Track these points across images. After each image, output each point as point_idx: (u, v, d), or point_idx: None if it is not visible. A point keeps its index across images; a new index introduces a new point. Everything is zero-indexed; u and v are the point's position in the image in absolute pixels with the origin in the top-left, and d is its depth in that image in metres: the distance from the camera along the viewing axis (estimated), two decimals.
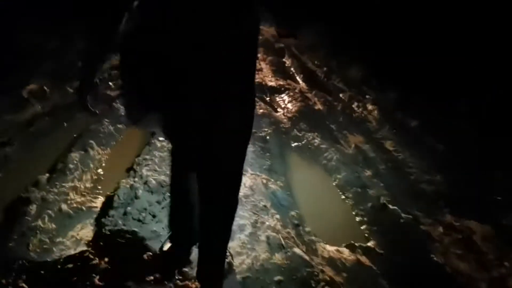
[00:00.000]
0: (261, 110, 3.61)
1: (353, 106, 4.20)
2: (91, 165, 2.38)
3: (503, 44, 4.24)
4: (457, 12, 5.08)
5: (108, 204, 2.03)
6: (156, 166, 2.44)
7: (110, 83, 3.70)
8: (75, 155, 2.36)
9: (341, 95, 4.57)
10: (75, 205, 2.02)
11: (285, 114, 3.70)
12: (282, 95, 4.32)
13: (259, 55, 6.37)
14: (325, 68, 5.77)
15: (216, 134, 1.11)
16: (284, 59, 6.48)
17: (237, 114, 1.12)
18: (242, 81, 1.07)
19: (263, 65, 5.81)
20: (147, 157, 2.54)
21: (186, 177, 1.41)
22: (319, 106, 4.02)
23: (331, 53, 6.73)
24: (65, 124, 3.01)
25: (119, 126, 3.03)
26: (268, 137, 3.06)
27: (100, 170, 2.42)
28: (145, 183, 2.25)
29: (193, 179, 1.30)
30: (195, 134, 1.11)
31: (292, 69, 5.82)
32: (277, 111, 3.78)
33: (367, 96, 4.42)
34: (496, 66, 4.15)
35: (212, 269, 1.41)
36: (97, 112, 1.21)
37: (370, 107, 4.09)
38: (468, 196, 2.58)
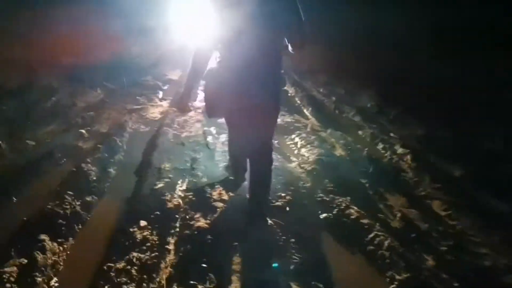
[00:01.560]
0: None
1: (379, 148, 3.48)
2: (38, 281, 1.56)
3: None
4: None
5: None
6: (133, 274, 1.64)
7: None
8: (11, 270, 1.54)
9: (360, 132, 3.86)
10: None
11: (301, 165, 2.95)
12: (293, 137, 3.58)
13: None
14: (333, 98, 5.08)
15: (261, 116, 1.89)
16: (286, 88, 5.80)
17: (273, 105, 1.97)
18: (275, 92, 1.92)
19: None
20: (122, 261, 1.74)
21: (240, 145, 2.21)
22: (339, 151, 3.29)
23: (335, 78, 6.11)
24: (14, 199, 2.20)
25: (87, 199, 2.25)
26: (288, 208, 2.30)
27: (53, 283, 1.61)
28: None
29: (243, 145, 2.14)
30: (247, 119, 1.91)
31: (297, 99, 5.11)
32: (291, 161, 3.03)
33: (391, 135, 3.72)
34: None
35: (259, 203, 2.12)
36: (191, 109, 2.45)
37: (399, 149, 3.37)
38: None
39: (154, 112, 4.07)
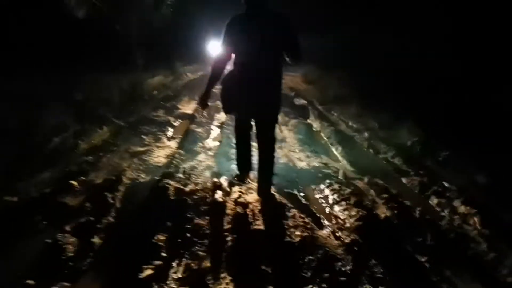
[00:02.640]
0: (298, 231, 2.18)
1: (433, 204, 2.72)
2: None
3: None
4: None
5: None
6: None
7: None
8: None
9: (405, 181, 3.12)
10: None
11: (337, 234, 2.24)
12: (322, 188, 2.89)
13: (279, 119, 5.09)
14: (366, 133, 4.38)
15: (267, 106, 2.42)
16: (309, 121, 5.16)
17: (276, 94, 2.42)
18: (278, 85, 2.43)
19: (285, 132, 4.47)
20: None
21: (246, 134, 2.68)
22: (383, 210, 2.56)
23: (364, 108, 5.42)
24: None
25: None
26: None
27: None
28: None
29: (249, 135, 2.69)
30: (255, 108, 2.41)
31: (323, 136, 4.44)
32: (322, 227, 2.33)
33: (445, 184, 2.95)
34: None
35: (266, 179, 2.58)
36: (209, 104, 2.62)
37: (460, 207, 2.60)
38: None
39: (159, 156, 3.51)
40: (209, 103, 2.59)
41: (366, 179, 3.06)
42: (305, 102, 6.13)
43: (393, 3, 6.50)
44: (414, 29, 5.88)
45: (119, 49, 8.53)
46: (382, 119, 4.81)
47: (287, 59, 2.30)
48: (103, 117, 4.94)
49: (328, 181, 2.98)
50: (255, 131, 2.56)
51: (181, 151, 3.57)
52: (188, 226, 2.22)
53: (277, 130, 4.54)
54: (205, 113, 5.15)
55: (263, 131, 2.51)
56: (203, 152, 3.60)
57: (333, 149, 3.92)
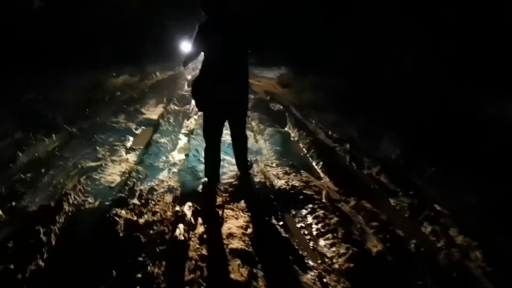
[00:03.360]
0: (277, 276, 1.75)
1: (427, 232, 2.40)
2: None
3: None
4: None
5: None
6: None
7: None
8: None
9: (393, 203, 2.79)
10: None
11: (325, 280, 1.85)
12: (304, 214, 2.49)
13: (253, 123, 4.66)
14: (347, 145, 4.05)
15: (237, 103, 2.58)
16: (287, 129, 4.77)
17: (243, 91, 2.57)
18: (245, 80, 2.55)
19: (260, 142, 4.05)
20: None
21: (216, 138, 2.67)
22: (374, 243, 2.19)
23: (342, 114, 5.13)
24: None
25: None
26: None
27: None
28: None
29: (219, 140, 2.70)
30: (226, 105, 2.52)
31: (302, 147, 4.06)
32: (307, 269, 1.92)
33: (437, 207, 2.65)
34: None
35: (244, 165, 2.89)
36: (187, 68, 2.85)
37: (458, 237, 2.30)
38: None
39: (113, 173, 2.97)
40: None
41: (352, 202, 2.70)
42: (281, 107, 5.73)
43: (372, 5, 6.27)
44: (393, 32, 5.67)
45: (81, 44, 7.73)
46: (361, 127, 4.52)
47: (252, 56, 2.53)
48: (52, 123, 4.28)
49: (310, 205, 2.58)
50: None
51: (139, 167, 3.04)
52: (139, 276, 1.73)
53: (252, 140, 4.15)
54: (171, 120, 4.62)
55: (235, 129, 2.71)
56: (165, 168, 3.09)
57: (314, 163, 3.54)
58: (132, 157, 3.36)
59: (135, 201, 2.43)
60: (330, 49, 7.20)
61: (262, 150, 3.80)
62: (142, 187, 2.68)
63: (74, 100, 5.38)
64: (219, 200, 2.51)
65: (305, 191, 2.81)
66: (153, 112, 5.15)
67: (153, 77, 9.07)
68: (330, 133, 4.53)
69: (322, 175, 3.26)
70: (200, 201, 2.46)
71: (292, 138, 4.38)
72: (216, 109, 2.54)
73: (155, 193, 2.59)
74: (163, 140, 3.75)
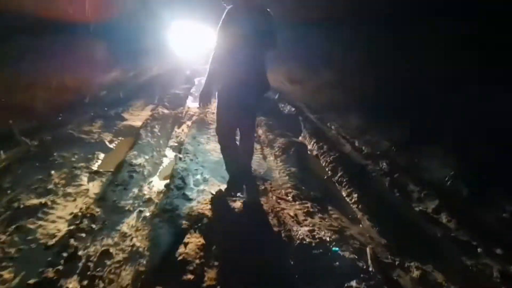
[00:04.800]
0: None
1: None
2: None
3: None
4: None
5: None
6: None
7: None
8: None
9: (473, 267, 1.82)
10: None
11: None
12: None
13: (260, 131, 3.70)
14: (383, 163, 3.06)
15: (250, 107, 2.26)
16: (301, 138, 3.79)
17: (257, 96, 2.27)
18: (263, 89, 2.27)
19: (269, 159, 3.08)
20: None
21: (231, 138, 2.34)
22: None
23: (368, 118, 4.13)
24: None
25: None
26: None
27: None
28: None
29: (234, 135, 2.36)
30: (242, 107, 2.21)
31: (324, 165, 3.09)
32: None
33: None
34: None
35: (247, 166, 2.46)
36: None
37: None
38: None
39: (59, 220, 2.02)
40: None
41: (414, 271, 1.73)
42: (293, 109, 4.74)
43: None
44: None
45: (70, 36, 6.77)
46: (394, 135, 3.52)
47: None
48: (7, 134, 3.35)
49: (353, 281, 1.61)
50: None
51: (97, 208, 2.09)
52: None
53: (258, 156, 3.19)
54: (156, 128, 3.65)
55: (246, 133, 2.39)
56: (134, 209, 2.13)
57: (344, 193, 2.57)
58: (94, 188, 2.41)
59: (73, 283, 1.48)
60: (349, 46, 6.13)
61: (272, 171, 2.83)
62: (91, 250, 1.72)
63: (45, 102, 4.45)
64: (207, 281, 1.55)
65: (341, 251, 1.83)
66: (137, 117, 4.19)
67: (148, 73, 8.10)
68: (357, 144, 3.54)
69: (359, 214, 2.29)
70: (179, 284, 1.50)
71: (309, 152, 3.41)
72: (235, 114, 2.25)
73: (108, 263, 1.64)
74: (139, 160, 2.78)
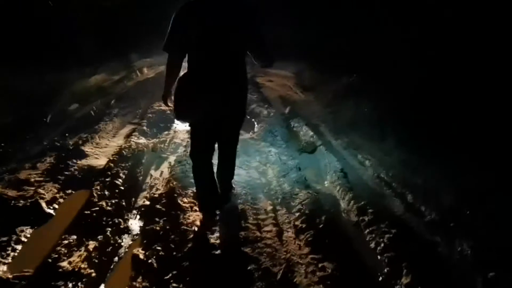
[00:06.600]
0: None
1: None
2: None
3: None
4: None
5: None
6: None
7: None
8: None
9: None
10: None
11: None
12: None
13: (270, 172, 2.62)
14: (463, 246, 1.94)
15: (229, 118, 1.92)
16: (328, 184, 2.66)
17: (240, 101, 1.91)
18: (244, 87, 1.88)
19: (288, 238, 1.96)
20: None
21: (206, 156, 2.02)
22: None
23: (411, 145, 2.96)
24: None
25: None
26: None
27: None
28: None
29: (210, 151, 2.03)
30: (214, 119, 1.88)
31: (369, 242, 1.97)
32: None
33: None
34: None
35: (227, 187, 2.25)
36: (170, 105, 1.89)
37: None
38: None
39: None
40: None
41: None
42: (310, 132, 3.57)
43: None
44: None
45: (54, 35, 5.63)
46: (461, 181, 2.40)
47: (255, 61, 1.87)
48: None
49: None
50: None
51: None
52: None
53: (271, 230, 2.03)
54: (123, 173, 2.55)
55: (225, 146, 2.11)
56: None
57: None
58: None
59: None
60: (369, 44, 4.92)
61: (293, 258, 1.72)
62: None
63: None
64: None
65: None
66: (104, 150, 3.06)
67: (138, 75, 6.95)
68: (411, 199, 2.39)
69: None
70: None
71: (345, 216, 2.28)
72: (208, 119, 1.86)
73: None
74: (72, 259, 1.67)
